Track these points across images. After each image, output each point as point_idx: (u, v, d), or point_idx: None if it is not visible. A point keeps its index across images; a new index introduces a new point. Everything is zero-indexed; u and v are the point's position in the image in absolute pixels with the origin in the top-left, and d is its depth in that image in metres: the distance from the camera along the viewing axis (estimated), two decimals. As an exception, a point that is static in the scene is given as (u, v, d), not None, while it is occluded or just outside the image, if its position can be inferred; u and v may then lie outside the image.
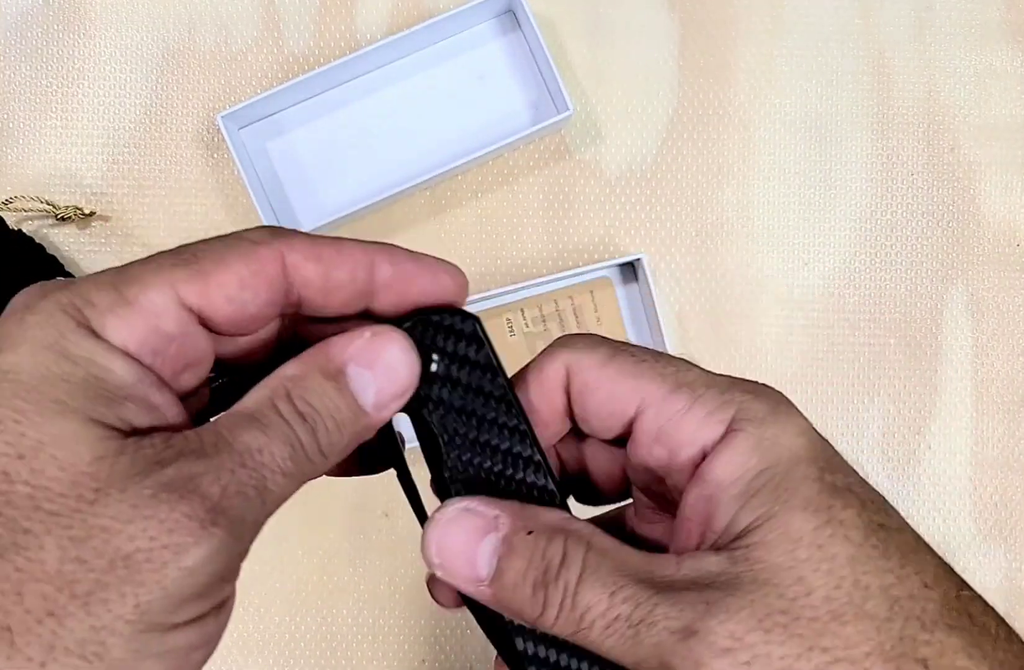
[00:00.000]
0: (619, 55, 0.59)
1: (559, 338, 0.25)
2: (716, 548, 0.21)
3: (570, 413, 0.25)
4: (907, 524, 0.22)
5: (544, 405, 0.25)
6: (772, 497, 0.21)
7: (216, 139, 0.57)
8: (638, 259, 0.54)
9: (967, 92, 0.59)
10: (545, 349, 0.25)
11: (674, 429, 0.23)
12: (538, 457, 0.24)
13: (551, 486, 0.24)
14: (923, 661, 0.19)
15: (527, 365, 0.25)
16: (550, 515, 0.23)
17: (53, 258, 0.54)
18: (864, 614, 0.19)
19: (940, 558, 0.21)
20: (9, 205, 0.54)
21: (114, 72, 0.58)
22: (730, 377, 0.24)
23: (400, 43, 0.55)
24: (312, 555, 0.56)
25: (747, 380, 0.24)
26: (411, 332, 0.23)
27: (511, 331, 0.56)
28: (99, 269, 0.23)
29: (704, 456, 0.22)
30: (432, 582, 0.26)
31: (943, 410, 0.58)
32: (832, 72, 0.59)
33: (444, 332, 0.23)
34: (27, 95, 0.58)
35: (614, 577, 0.21)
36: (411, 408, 0.24)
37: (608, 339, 0.25)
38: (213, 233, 0.61)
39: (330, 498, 0.56)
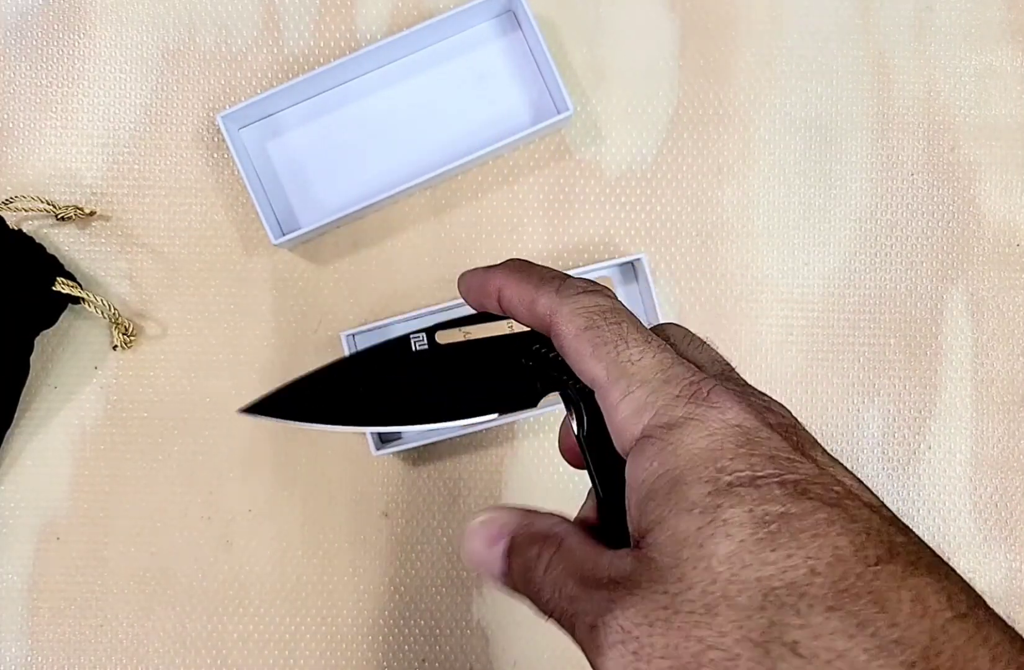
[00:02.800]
0: (619, 55, 0.59)
1: (564, 279, 0.29)
2: (636, 546, 0.24)
3: None
4: (836, 503, 0.22)
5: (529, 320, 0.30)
6: (665, 500, 0.23)
7: (216, 139, 0.57)
8: (638, 259, 0.54)
9: (967, 92, 0.59)
10: (547, 279, 0.29)
11: (610, 416, 0.25)
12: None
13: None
14: (792, 644, 0.20)
15: (533, 275, 0.30)
16: (542, 521, 0.27)
17: (53, 258, 0.54)
18: (736, 605, 0.21)
19: (863, 536, 0.22)
20: (9, 205, 0.54)
21: (114, 72, 0.58)
22: (674, 375, 0.25)
23: (400, 43, 0.55)
24: (312, 555, 0.56)
25: (688, 379, 0.25)
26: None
27: (511, 331, 0.56)
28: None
29: (628, 454, 0.25)
30: (562, 443, 0.30)
31: (943, 410, 0.58)
32: (832, 72, 0.59)
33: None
34: (27, 95, 0.58)
35: (563, 577, 0.24)
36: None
37: (596, 304, 0.27)
38: (213, 233, 0.61)
39: (330, 498, 0.56)
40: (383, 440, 0.55)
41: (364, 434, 0.54)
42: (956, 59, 0.60)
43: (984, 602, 0.22)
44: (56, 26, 0.58)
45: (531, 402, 0.29)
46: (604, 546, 0.25)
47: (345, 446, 0.56)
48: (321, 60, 0.58)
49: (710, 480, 0.23)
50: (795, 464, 0.23)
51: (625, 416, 0.25)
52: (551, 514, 0.27)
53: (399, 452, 0.56)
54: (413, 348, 0.30)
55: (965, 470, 0.58)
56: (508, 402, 0.30)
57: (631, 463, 0.24)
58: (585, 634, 0.23)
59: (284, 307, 0.57)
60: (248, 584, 0.56)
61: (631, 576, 0.23)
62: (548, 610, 0.25)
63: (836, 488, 0.23)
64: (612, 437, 0.26)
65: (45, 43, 0.58)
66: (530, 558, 0.26)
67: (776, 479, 0.23)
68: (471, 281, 0.31)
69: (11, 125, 0.58)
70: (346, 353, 0.54)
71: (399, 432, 0.56)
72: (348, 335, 0.54)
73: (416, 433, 0.56)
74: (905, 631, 0.20)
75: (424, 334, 0.31)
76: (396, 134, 0.57)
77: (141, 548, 0.56)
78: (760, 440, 0.24)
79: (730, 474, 0.23)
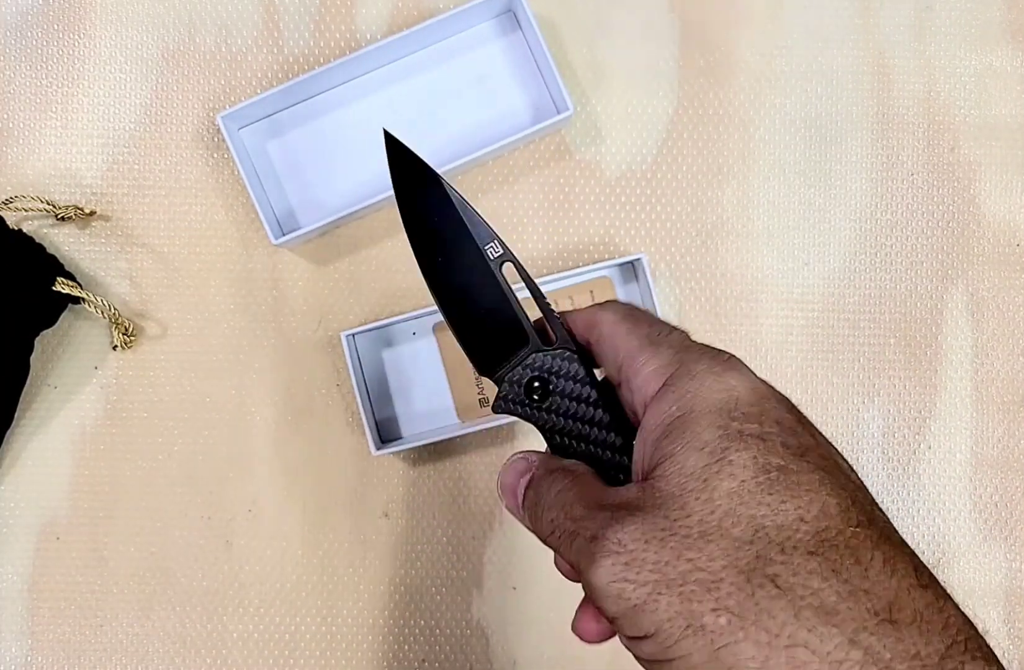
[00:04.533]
0: (619, 55, 0.59)
1: (603, 302, 0.32)
2: (644, 479, 0.26)
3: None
4: (827, 470, 0.25)
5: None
6: (678, 439, 0.25)
7: (216, 139, 0.57)
8: (638, 259, 0.54)
9: (967, 92, 0.59)
10: (594, 305, 0.32)
11: (633, 377, 0.28)
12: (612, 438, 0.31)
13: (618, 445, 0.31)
14: (773, 576, 0.22)
15: (576, 310, 0.32)
16: (562, 462, 0.30)
17: (53, 258, 0.54)
18: (728, 535, 0.23)
19: (848, 501, 0.24)
20: (9, 205, 0.54)
21: (114, 72, 0.58)
22: (700, 345, 0.29)
23: (400, 43, 0.55)
24: (312, 555, 0.56)
25: (712, 348, 0.28)
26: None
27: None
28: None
29: (647, 404, 0.28)
30: (577, 620, 0.31)
31: (943, 410, 0.58)
32: (832, 72, 0.59)
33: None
34: (27, 95, 0.58)
35: (571, 501, 0.27)
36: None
37: (634, 307, 0.31)
38: (213, 233, 0.61)
39: (330, 499, 0.56)
40: (383, 440, 0.55)
41: (365, 431, 0.54)
42: (956, 59, 0.59)
43: (940, 584, 0.24)
44: (56, 26, 0.58)
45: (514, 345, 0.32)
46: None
47: (345, 446, 0.56)
48: (321, 60, 0.58)
49: (722, 426, 0.25)
50: (797, 433, 0.26)
51: (652, 370, 0.28)
52: (573, 460, 0.30)
53: (399, 452, 0.56)
54: (485, 249, 0.33)
55: (965, 470, 0.58)
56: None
57: (651, 409, 0.27)
58: (583, 546, 0.25)
59: (284, 307, 0.57)
60: (248, 584, 0.56)
61: (635, 502, 0.25)
62: (550, 529, 0.27)
63: (830, 460, 0.26)
64: (632, 394, 0.28)
65: (45, 43, 0.58)
66: (542, 486, 0.28)
67: (780, 439, 0.25)
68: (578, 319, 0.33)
69: (11, 125, 0.58)
70: (347, 353, 0.54)
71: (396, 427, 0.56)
72: (348, 335, 0.54)
73: (414, 435, 0.56)
74: (874, 584, 0.22)
75: (502, 251, 0.33)
76: (396, 134, 0.57)
77: (141, 548, 0.56)
78: (770, 406, 0.26)
79: (741, 424, 0.25)
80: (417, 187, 0.33)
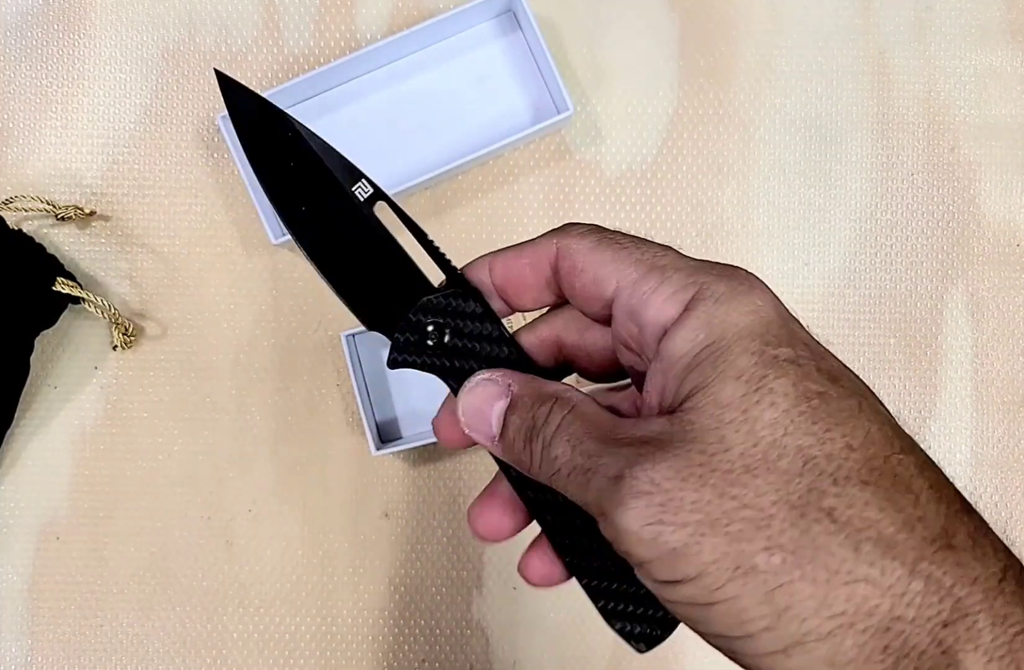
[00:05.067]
0: (619, 55, 0.59)
1: (561, 225, 0.28)
2: (669, 413, 0.24)
3: (557, 290, 0.29)
4: (862, 395, 0.24)
5: (532, 277, 0.28)
6: (711, 368, 0.23)
7: (216, 139, 0.57)
8: (638, 259, 0.54)
9: (967, 92, 0.59)
10: (546, 233, 0.28)
11: (642, 308, 0.25)
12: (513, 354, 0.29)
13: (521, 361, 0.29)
14: (829, 510, 0.21)
15: (525, 241, 0.29)
16: (551, 386, 0.27)
17: (53, 258, 0.54)
18: (775, 469, 0.22)
19: (887, 427, 0.23)
20: (9, 205, 0.54)
21: (114, 72, 0.58)
22: (706, 261, 0.26)
23: (400, 43, 0.55)
24: (312, 555, 0.56)
25: (721, 264, 0.26)
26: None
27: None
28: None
29: (665, 333, 0.25)
30: (437, 423, 0.30)
31: (943, 410, 0.58)
32: (832, 72, 0.59)
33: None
34: (27, 95, 0.58)
35: (580, 434, 0.24)
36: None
37: (601, 228, 0.28)
38: (213, 233, 0.61)
39: (330, 499, 0.56)
40: (383, 440, 0.55)
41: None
42: (956, 59, 0.59)
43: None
44: (56, 26, 0.58)
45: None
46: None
47: (345, 446, 0.56)
48: (321, 60, 0.58)
49: (756, 352, 0.23)
50: (825, 356, 0.25)
51: (665, 298, 0.25)
52: (558, 382, 0.27)
53: (399, 452, 0.56)
54: (354, 191, 0.30)
55: (965, 470, 0.58)
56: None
57: (673, 338, 0.24)
58: (605, 486, 0.23)
59: (284, 307, 0.57)
60: (248, 584, 0.56)
61: (663, 436, 0.23)
62: (553, 467, 0.24)
63: (861, 383, 0.25)
64: (639, 327, 0.26)
65: (45, 43, 0.58)
66: (538, 415, 0.25)
67: (813, 364, 0.24)
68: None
69: (11, 125, 0.58)
70: (347, 353, 0.54)
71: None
72: (348, 335, 0.54)
73: (414, 435, 0.56)
74: (926, 511, 0.21)
75: (371, 190, 0.31)
76: (396, 134, 0.57)
77: (141, 548, 0.56)
78: (796, 329, 0.25)
79: (775, 349, 0.24)
80: (263, 129, 0.29)
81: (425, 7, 0.58)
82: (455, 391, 0.28)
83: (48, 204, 0.55)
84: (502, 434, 0.26)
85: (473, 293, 0.29)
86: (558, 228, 0.28)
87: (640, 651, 0.27)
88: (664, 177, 0.58)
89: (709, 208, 0.58)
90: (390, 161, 0.57)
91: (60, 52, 0.58)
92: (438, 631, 0.56)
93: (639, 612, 0.27)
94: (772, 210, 0.58)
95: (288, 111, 0.29)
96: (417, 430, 0.56)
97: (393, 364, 0.29)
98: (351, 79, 0.57)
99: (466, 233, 0.57)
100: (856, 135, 0.59)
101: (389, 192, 0.55)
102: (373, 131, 0.57)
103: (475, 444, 0.28)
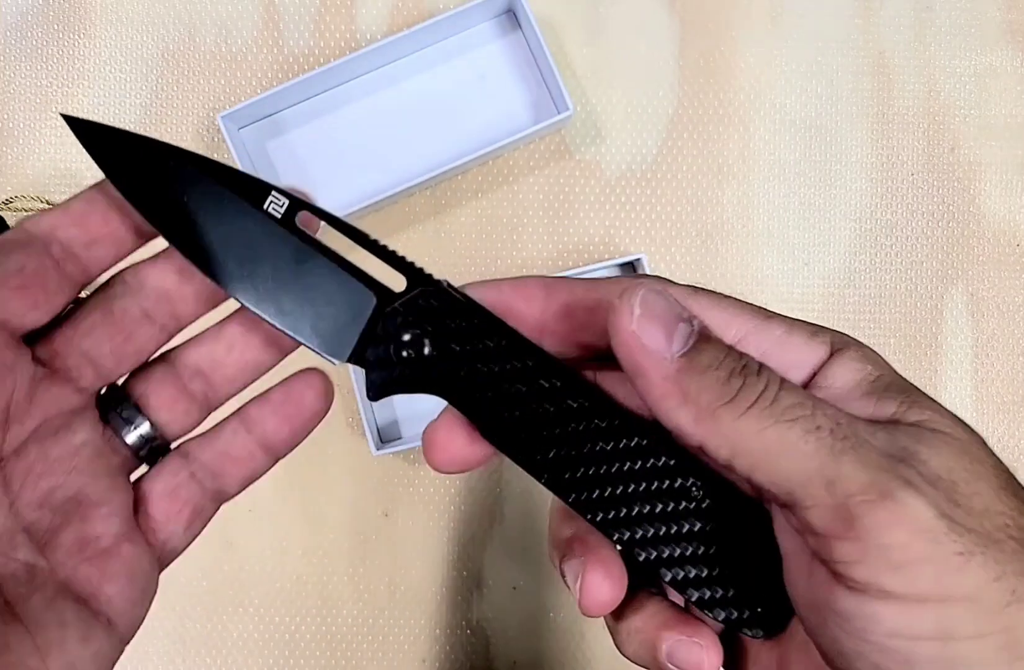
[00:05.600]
0: (619, 55, 0.59)
1: (633, 277, 0.26)
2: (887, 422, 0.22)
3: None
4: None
5: (595, 317, 0.25)
6: (902, 391, 0.22)
7: (216, 139, 0.57)
8: (638, 259, 0.54)
9: (967, 92, 0.59)
10: (625, 283, 0.25)
11: (780, 351, 0.23)
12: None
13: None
14: None
15: (588, 279, 0.26)
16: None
17: (53, 258, 0.54)
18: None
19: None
20: (9, 205, 0.54)
21: (114, 72, 0.58)
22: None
23: (400, 43, 0.55)
24: (312, 555, 0.56)
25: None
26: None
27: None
28: None
29: (813, 374, 0.23)
30: (434, 435, 0.25)
31: (943, 410, 0.58)
32: (832, 72, 0.59)
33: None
34: (27, 95, 0.58)
35: (809, 397, 0.22)
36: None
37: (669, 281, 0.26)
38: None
39: (330, 499, 0.56)
40: (383, 440, 0.55)
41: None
42: (956, 59, 0.59)
43: None
44: (56, 26, 0.58)
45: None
46: None
47: (345, 446, 0.56)
48: (321, 60, 0.58)
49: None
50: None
51: (805, 340, 0.24)
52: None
53: (399, 452, 0.56)
54: (267, 210, 0.26)
55: (965, 470, 0.58)
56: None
57: (837, 370, 0.23)
58: (883, 463, 0.20)
59: (284, 307, 0.57)
60: (248, 584, 0.56)
61: (909, 430, 0.21)
62: (772, 412, 0.21)
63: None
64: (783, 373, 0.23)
65: (45, 43, 0.58)
66: (749, 360, 0.22)
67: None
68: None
69: (11, 125, 0.58)
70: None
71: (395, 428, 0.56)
72: (348, 335, 0.54)
73: (415, 435, 0.56)
74: None
75: (286, 200, 0.25)
76: (396, 134, 0.57)
77: (141, 548, 0.56)
78: None
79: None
80: (136, 167, 0.26)
81: (425, 7, 0.58)
82: (460, 406, 0.24)
83: (48, 204, 0.55)
84: (688, 355, 0.22)
85: (444, 289, 0.25)
86: (637, 281, 0.25)
87: (757, 637, 0.25)
88: (664, 177, 0.58)
89: (709, 208, 0.58)
90: (390, 161, 0.57)
91: (60, 52, 0.58)
92: (438, 631, 0.56)
93: (734, 595, 0.24)
94: (772, 210, 0.58)
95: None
96: (417, 430, 0.56)
97: (376, 393, 0.25)
98: (351, 79, 0.57)
99: (466, 233, 0.57)
100: (856, 135, 0.59)
101: (389, 192, 0.55)
102: (373, 131, 0.57)
103: (467, 470, 0.25)
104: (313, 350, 0.26)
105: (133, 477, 0.28)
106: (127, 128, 0.26)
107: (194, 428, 0.29)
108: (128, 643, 0.27)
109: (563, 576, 0.26)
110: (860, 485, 0.20)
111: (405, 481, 0.56)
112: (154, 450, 0.28)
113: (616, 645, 0.27)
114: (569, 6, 0.58)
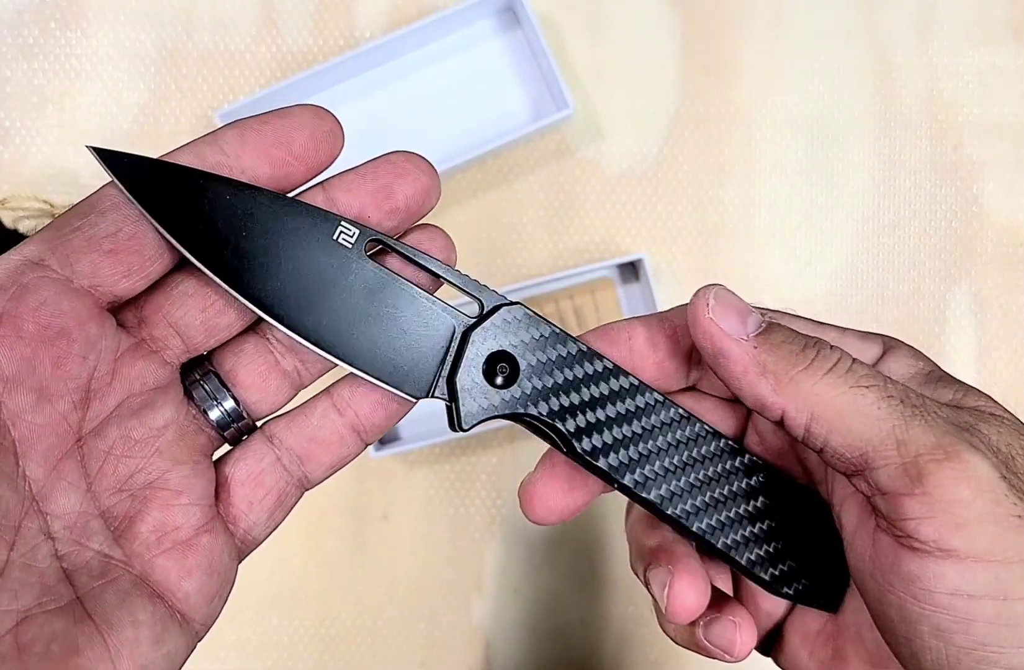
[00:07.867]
0: (620, 53, 0.58)
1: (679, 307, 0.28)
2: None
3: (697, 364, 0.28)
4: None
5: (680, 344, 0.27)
6: (954, 383, 0.24)
7: (214, 138, 0.57)
8: (639, 259, 0.54)
9: (970, 90, 0.59)
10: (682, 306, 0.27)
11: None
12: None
13: None
14: None
15: (662, 313, 0.28)
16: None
17: (49, 258, 0.54)
18: None
19: None
20: (6, 204, 0.54)
21: (111, 70, 0.58)
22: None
23: (399, 41, 0.55)
24: (311, 558, 0.56)
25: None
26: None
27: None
28: None
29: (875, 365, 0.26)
30: (535, 486, 0.27)
31: (946, 411, 0.58)
32: (835, 70, 0.59)
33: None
34: (23, 93, 0.57)
35: (880, 372, 0.24)
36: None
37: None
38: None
39: (329, 501, 0.56)
40: (383, 442, 0.55)
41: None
42: (959, 57, 0.59)
43: None
44: (53, 24, 0.58)
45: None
46: None
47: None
48: (320, 58, 0.57)
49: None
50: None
51: (857, 342, 0.26)
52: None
53: (399, 454, 0.55)
54: (336, 237, 0.24)
55: (968, 471, 0.57)
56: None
57: (893, 363, 0.26)
58: (952, 432, 0.22)
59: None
60: (245, 588, 0.56)
61: (969, 412, 0.24)
62: (847, 379, 0.23)
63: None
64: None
65: (42, 41, 0.58)
66: (822, 343, 0.24)
67: None
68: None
69: (7, 123, 0.57)
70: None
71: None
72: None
73: (414, 436, 0.56)
74: None
75: (358, 230, 0.24)
76: (395, 132, 0.57)
77: (138, 550, 0.56)
78: None
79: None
80: (194, 201, 0.23)
81: (424, 5, 0.58)
82: (556, 443, 0.25)
83: (45, 203, 0.55)
84: (762, 334, 0.24)
85: (524, 310, 0.25)
86: (683, 304, 0.27)
87: (826, 610, 0.27)
88: (665, 176, 0.58)
89: (711, 207, 0.58)
90: (389, 160, 0.56)
91: (56, 50, 0.58)
92: (437, 633, 0.56)
93: (802, 570, 0.27)
94: (774, 209, 0.58)
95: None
96: (417, 431, 0.56)
97: (467, 423, 0.24)
98: (350, 77, 0.57)
99: (466, 233, 0.57)
100: (859, 134, 0.59)
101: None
102: (372, 130, 0.57)
103: (566, 520, 0.26)
104: (391, 390, 0.25)
105: (214, 457, 0.27)
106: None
107: (282, 407, 0.27)
108: (201, 640, 0.25)
109: (647, 585, 0.27)
110: (928, 445, 0.22)
111: (405, 483, 0.56)
112: (239, 430, 0.26)
113: (659, 624, 0.28)
114: (569, 4, 0.58)
